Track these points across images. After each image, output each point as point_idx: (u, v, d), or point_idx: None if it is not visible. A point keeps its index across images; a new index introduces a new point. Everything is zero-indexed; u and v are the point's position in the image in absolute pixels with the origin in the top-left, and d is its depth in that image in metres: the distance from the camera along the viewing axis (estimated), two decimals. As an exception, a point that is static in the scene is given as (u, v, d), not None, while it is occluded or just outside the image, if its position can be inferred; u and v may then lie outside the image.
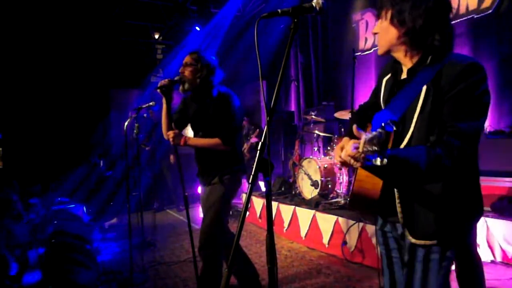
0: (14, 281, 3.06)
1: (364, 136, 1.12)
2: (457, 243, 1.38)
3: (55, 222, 4.35)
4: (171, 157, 6.58)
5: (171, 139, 2.57)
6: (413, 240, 1.35)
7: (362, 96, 5.49)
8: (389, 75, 1.50)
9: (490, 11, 4.14)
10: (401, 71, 1.44)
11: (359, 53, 5.81)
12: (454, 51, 1.36)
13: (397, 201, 1.38)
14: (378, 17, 1.39)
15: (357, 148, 1.15)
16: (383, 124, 1.12)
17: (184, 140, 2.60)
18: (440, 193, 1.29)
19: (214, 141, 2.61)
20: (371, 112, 1.46)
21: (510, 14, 3.97)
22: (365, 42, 5.83)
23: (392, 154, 1.19)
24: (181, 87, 2.65)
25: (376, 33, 1.41)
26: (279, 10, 1.32)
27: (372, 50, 5.67)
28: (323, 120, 5.60)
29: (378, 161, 1.11)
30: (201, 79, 2.62)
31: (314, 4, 1.34)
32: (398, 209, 1.37)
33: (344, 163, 1.27)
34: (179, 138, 2.59)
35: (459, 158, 1.23)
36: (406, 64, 1.39)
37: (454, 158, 1.22)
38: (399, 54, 1.39)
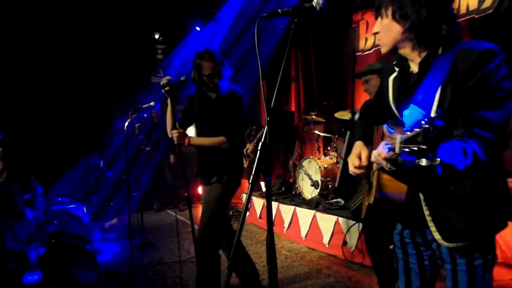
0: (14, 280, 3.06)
1: (400, 137, 1.04)
2: (492, 243, 1.30)
3: (56, 222, 4.36)
4: (171, 157, 6.57)
5: (175, 138, 2.56)
6: (446, 244, 1.27)
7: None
8: (395, 74, 1.43)
9: (491, 11, 4.13)
10: (409, 67, 1.37)
11: (359, 53, 5.80)
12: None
13: (423, 203, 1.30)
14: (377, 16, 1.34)
15: (393, 149, 1.08)
16: (431, 117, 0.99)
17: (188, 140, 2.60)
18: (470, 191, 1.22)
19: (219, 139, 2.60)
20: (381, 115, 1.42)
21: (510, 14, 3.97)
22: (365, 42, 5.82)
23: None
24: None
25: (376, 33, 1.36)
26: (279, 10, 1.33)
27: (372, 50, 5.65)
28: (323, 120, 5.59)
29: (424, 162, 1.00)
30: (219, 77, 2.60)
31: (314, 4, 1.35)
32: (426, 212, 1.29)
33: (360, 168, 1.21)
34: (183, 137, 2.58)
35: (493, 151, 1.15)
36: (414, 59, 1.33)
37: (488, 151, 1.12)
38: (406, 50, 1.33)
